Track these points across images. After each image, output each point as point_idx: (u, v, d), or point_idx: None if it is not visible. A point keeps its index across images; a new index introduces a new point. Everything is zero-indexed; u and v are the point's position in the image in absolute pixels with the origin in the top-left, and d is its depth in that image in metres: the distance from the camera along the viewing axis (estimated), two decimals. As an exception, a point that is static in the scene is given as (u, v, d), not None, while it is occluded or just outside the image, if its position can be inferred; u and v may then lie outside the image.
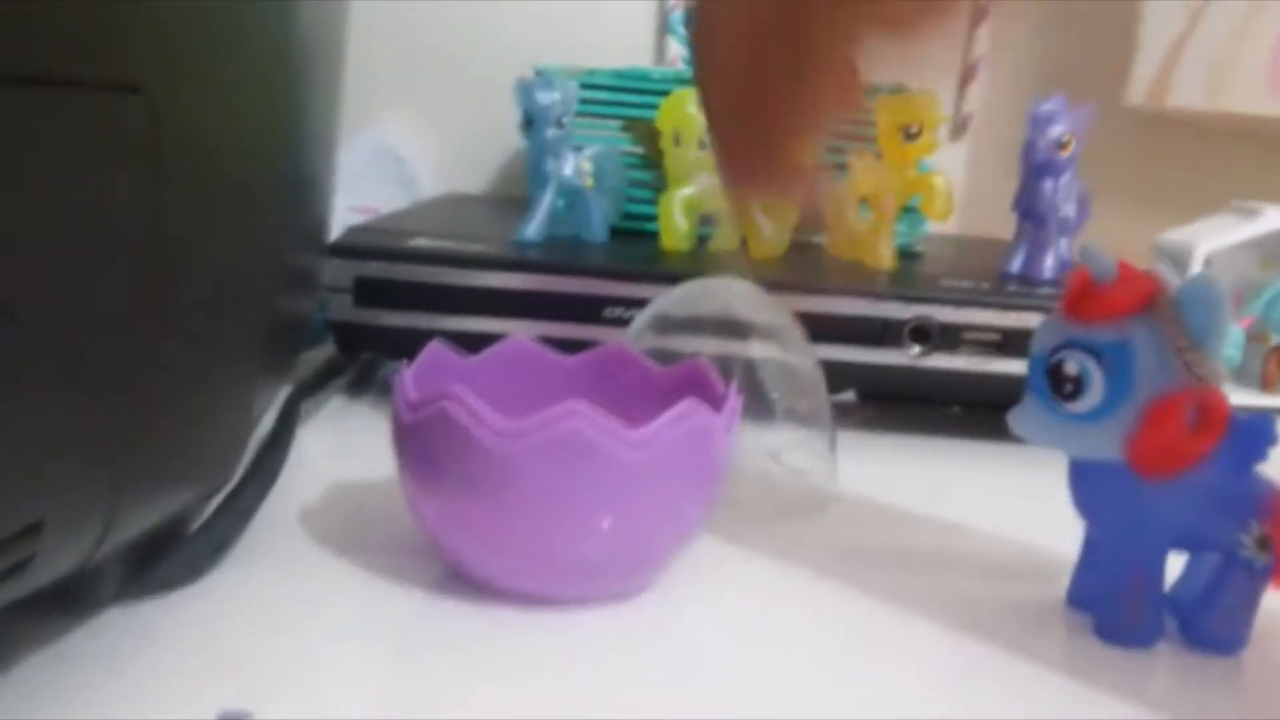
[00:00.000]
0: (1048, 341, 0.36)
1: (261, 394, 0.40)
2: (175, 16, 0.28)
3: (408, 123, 0.96)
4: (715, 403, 0.37)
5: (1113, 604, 0.37)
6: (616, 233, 0.66)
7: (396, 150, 0.94)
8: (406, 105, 0.95)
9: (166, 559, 0.35)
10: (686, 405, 0.35)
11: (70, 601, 0.33)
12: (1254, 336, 0.72)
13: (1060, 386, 0.35)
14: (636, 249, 0.63)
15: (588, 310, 0.57)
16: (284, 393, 0.48)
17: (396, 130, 0.95)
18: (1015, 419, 0.37)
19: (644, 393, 0.41)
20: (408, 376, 0.37)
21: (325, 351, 0.60)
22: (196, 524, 0.37)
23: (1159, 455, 0.34)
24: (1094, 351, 0.34)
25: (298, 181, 0.44)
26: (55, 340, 0.24)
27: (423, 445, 0.35)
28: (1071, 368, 0.35)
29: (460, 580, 0.37)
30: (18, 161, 0.23)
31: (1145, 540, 0.36)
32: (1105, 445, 0.35)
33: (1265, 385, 0.72)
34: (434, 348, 0.40)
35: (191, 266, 0.30)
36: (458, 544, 0.36)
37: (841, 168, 0.66)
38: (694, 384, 0.40)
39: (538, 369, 0.43)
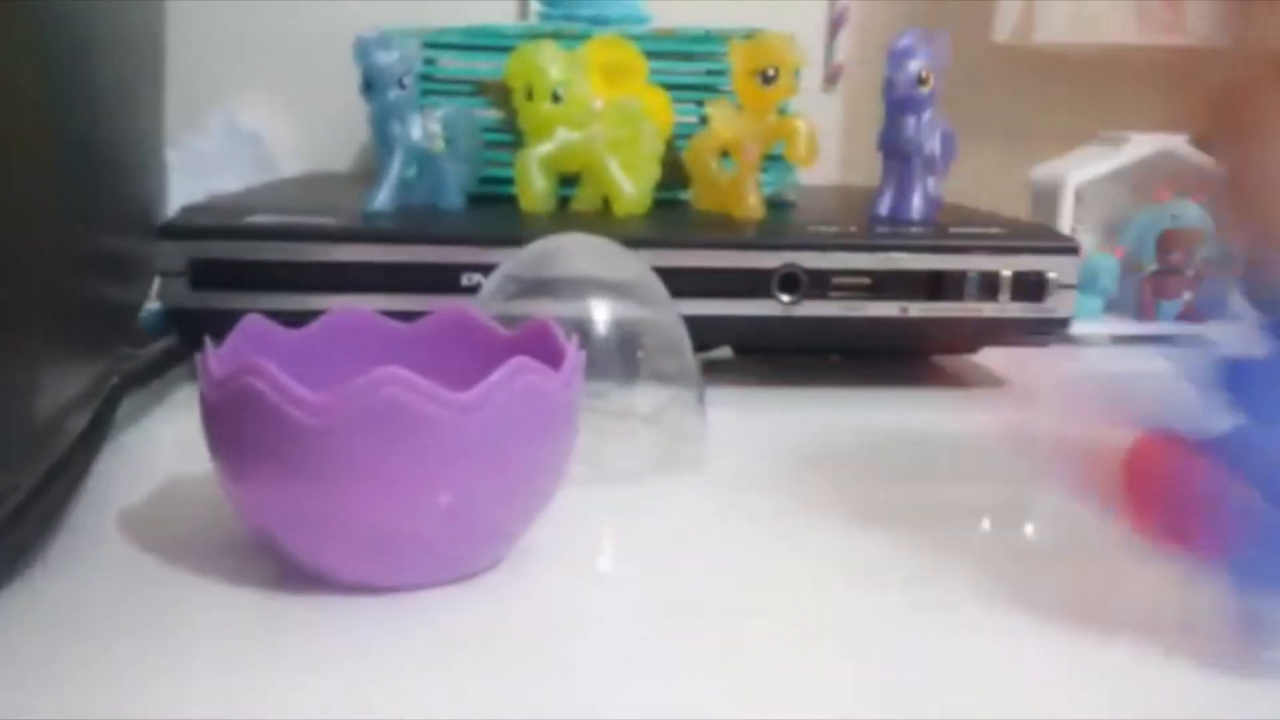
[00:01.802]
0: None
1: (60, 388, 0.36)
2: None
3: (262, 102, 0.91)
4: (553, 361, 0.34)
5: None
6: (477, 199, 0.63)
7: (251, 130, 0.89)
8: (260, 83, 0.91)
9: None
10: (518, 363, 0.32)
11: None
12: (1129, 265, 0.72)
13: None
14: (494, 214, 0.61)
15: (443, 280, 0.54)
16: (98, 387, 0.44)
17: (251, 110, 0.90)
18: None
19: (489, 358, 0.38)
20: (213, 353, 0.34)
21: (164, 344, 0.56)
22: (-12, 533, 0.33)
23: None
24: None
25: (98, 157, 0.40)
26: None
27: (231, 427, 0.32)
28: None
29: (295, 574, 0.34)
30: None
31: None
32: None
33: (1142, 314, 0.72)
34: (250, 320, 0.37)
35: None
36: (281, 534, 0.33)
37: (701, 120, 0.64)
38: (539, 345, 0.38)
39: (373, 340, 0.40)
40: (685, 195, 0.65)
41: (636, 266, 0.47)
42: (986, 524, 0.42)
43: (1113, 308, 0.73)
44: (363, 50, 0.56)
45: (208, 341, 0.34)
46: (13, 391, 0.32)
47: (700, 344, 0.47)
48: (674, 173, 0.64)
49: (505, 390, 0.32)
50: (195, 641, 0.31)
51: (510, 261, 0.47)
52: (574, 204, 0.62)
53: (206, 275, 0.53)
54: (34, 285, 0.32)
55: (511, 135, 0.64)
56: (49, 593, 0.33)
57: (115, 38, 0.43)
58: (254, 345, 0.36)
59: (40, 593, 0.33)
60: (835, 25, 0.92)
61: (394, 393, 0.30)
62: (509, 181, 0.62)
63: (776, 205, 0.66)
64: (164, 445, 0.47)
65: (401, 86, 0.57)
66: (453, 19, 0.71)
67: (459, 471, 0.32)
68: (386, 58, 0.56)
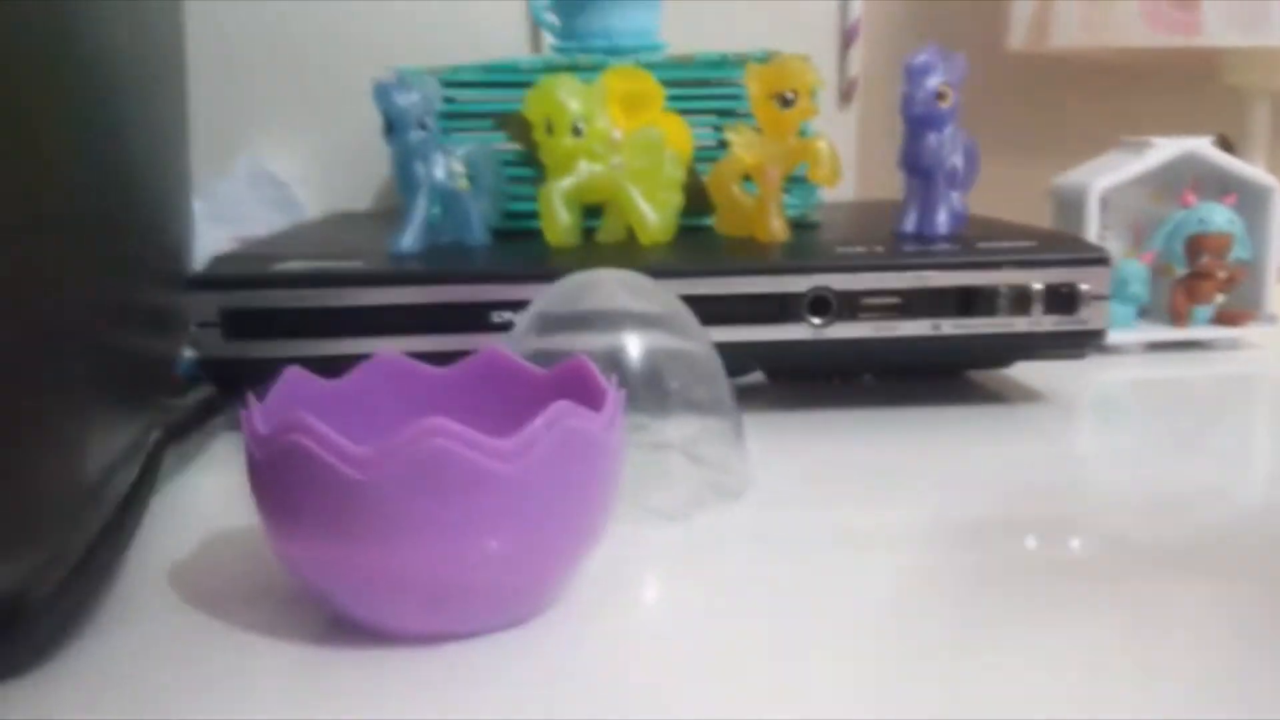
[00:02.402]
0: None
1: (106, 444, 0.37)
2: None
3: (284, 145, 0.92)
4: (594, 402, 0.34)
5: None
6: (501, 234, 0.63)
7: (274, 174, 0.90)
8: (281, 127, 0.92)
9: (8, 638, 0.31)
10: (558, 407, 0.32)
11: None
12: (1158, 270, 0.72)
13: None
14: (520, 248, 0.61)
15: (474, 318, 0.54)
16: (143, 442, 0.45)
17: (273, 153, 0.91)
18: None
19: (528, 398, 0.39)
20: (256, 409, 0.34)
21: (202, 394, 0.57)
22: (41, 593, 0.33)
23: None
24: None
25: (136, 213, 0.41)
26: None
27: (278, 484, 0.32)
28: None
29: (345, 627, 0.34)
30: None
31: None
32: None
33: (1174, 319, 0.72)
34: (290, 374, 0.37)
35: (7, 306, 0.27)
36: (331, 588, 0.33)
37: (721, 145, 0.64)
38: (577, 383, 0.38)
39: (412, 385, 0.40)
40: (709, 221, 0.65)
41: (666, 298, 0.47)
42: (1032, 542, 0.42)
43: (1144, 314, 0.72)
44: (382, 94, 0.57)
45: (250, 398, 0.34)
46: (62, 452, 0.32)
47: (732, 370, 0.47)
48: (696, 198, 0.64)
49: (548, 435, 0.32)
50: (250, 700, 0.31)
51: (541, 298, 0.47)
52: (599, 235, 0.62)
53: (239, 325, 0.53)
54: (75, 344, 0.32)
55: (532, 168, 0.64)
56: (102, 654, 0.33)
57: (140, 91, 0.43)
58: (294, 397, 0.36)
59: (93, 654, 0.33)
60: (847, 40, 0.92)
61: (439, 443, 0.30)
62: (533, 215, 0.62)
63: (801, 226, 0.66)
64: (208, 497, 0.47)
65: (423, 127, 0.57)
66: (467, 53, 0.72)
67: (507, 518, 0.32)
68: (406, 100, 0.56)
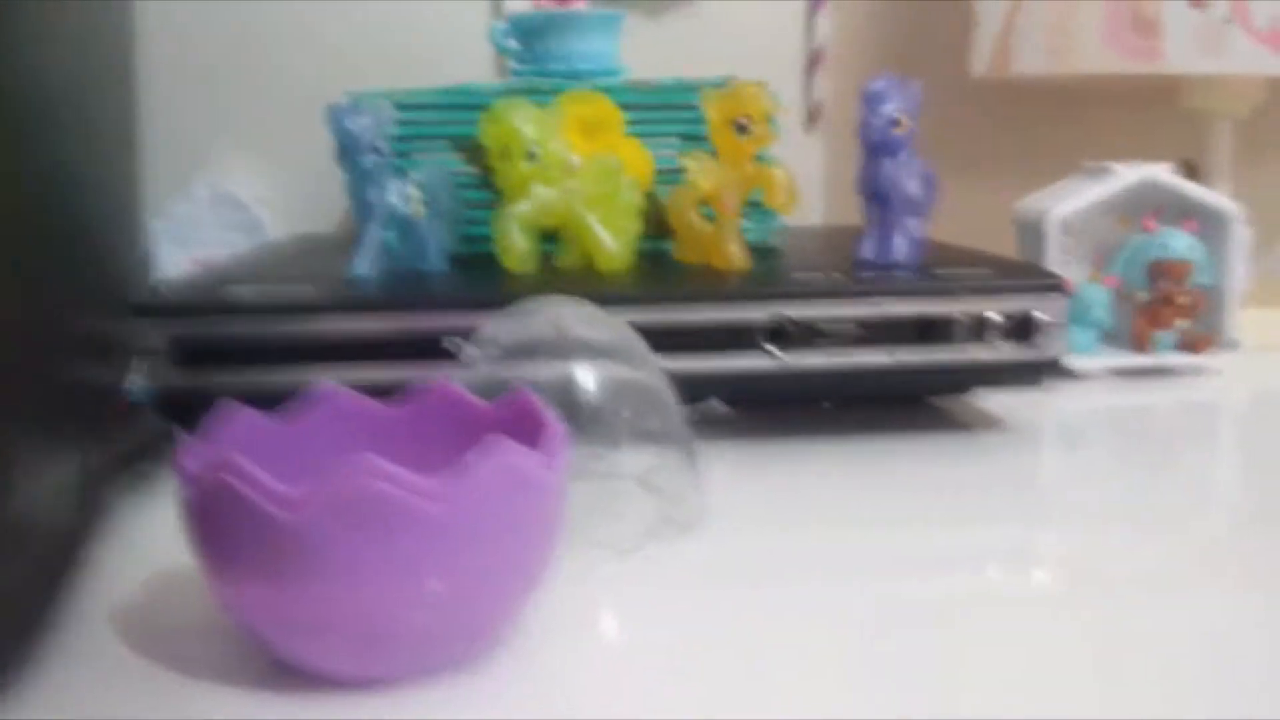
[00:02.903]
0: None
1: (42, 480, 0.36)
2: None
3: (247, 166, 0.91)
4: (531, 439, 0.34)
5: None
6: (460, 259, 0.63)
7: (235, 195, 0.89)
8: (244, 149, 0.91)
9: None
10: (490, 443, 0.32)
11: None
12: (1122, 296, 0.72)
13: None
14: (478, 274, 0.60)
15: (429, 346, 0.53)
16: (80, 477, 0.44)
17: (235, 175, 0.91)
18: None
19: (473, 432, 0.38)
20: (191, 446, 0.33)
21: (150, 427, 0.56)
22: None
23: None
24: None
25: (71, 238, 0.40)
26: None
27: (209, 524, 0.32)
28: None
29: (286, 669, 0.33)
30: None
31: None
32: None
33: (1137, 345, 0.72)
34: (229, 409, 0.36)
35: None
36: (264, 630, 0.32)
37: (678, 171, 0.63)
38: (521, 418, 0.37)
39: (355, 420, 0.39)
40: (668, 245, 0.65)
41: (617, 326, 0.47)
42: (993, 571, 0.41)
43: (1108, 340, 0.72)
44: (334, 118, 0.56)
45: (185, 435, 0.34)
46: (6, 493, 0.31)
47: (691, 398, 0.47)
48: (657, 223, 0.64)
49: (479, 472, 0.31)
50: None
51: (491, 325, 0.46)
52: (557, 261, 0.62)
53: (188, 353, 0.52)
54: (6, 377, 0.31)
55: (490, 193, 0.64)
56: (39, 698, 0.32)
57: (83, 114, 0.43)
58: (233, 434, 0.35)
59: (29, 699, 0.32)
60: (813, 65, 0.92)
61: (366, 482, 0.30)
62: (491, 239, 0.61)
63: (761, 252, 0.65)
64: (155, 531, 0.46)
65: (377, 152, 0.57)
66: (431, 77, 0.71)
67: (439, 559, 0.31)
68: (357, 124, 0.56)
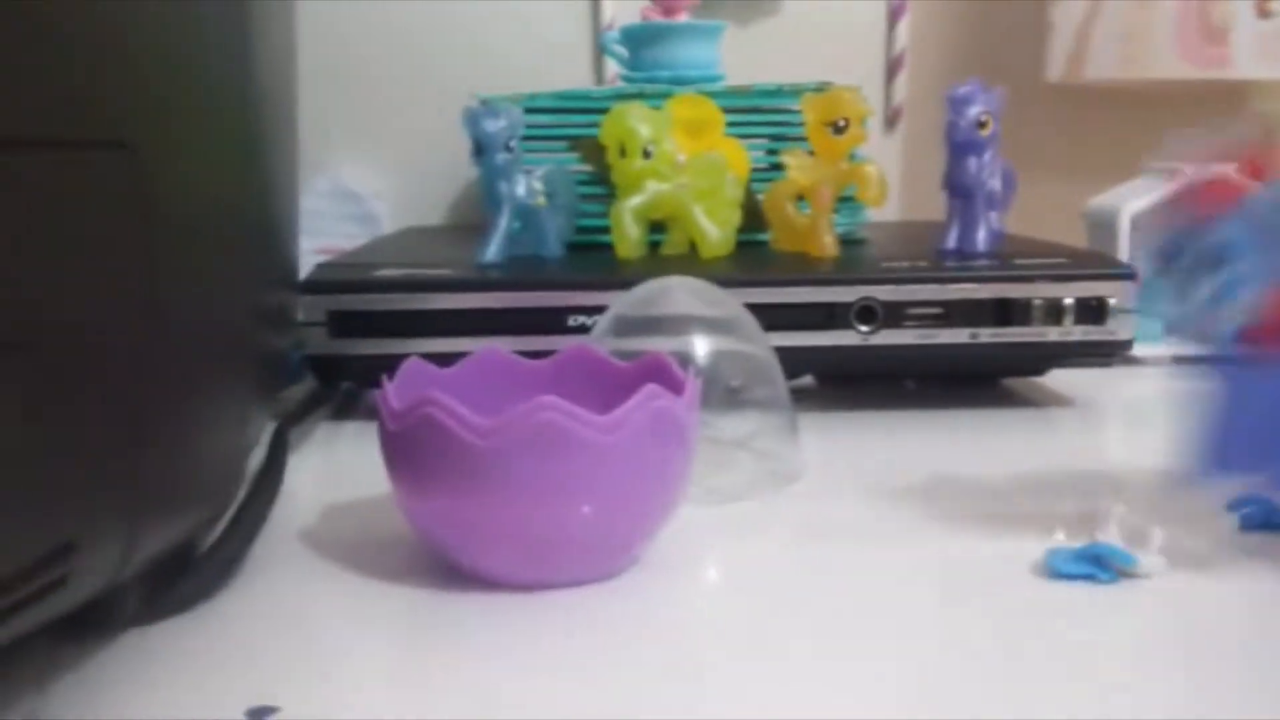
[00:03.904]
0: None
1: (253, 424, 0.43)
2: (154, 73, 0.31)
3: (362, 161, 0.98)
4: (677, 390, 0.40)
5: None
6: (573, 247, 0.69)
7: (354, 190, 0.96)
8: (359, 145, 0.98)
9: (180, 580, 0.37)
10: (650, 389, 0.38)
11: (91, 626, 0.35)
12: (1185, 289, 0.76)
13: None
14: (592, 260, 0.67)
15: (552, 321, 0.60)
16: (271, 425, 0.51)
17: (351, 170, 0.98)
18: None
19: (610, 387, 0.44)
20: (390, 389, 0.40)
21: (306, 387, 0.63)
22: (204, 546, 0.39)
23: None
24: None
25: (267, 223, 0.47)
26: (71, 373, 0.27)
27: (409, 451, 0.38)
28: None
29: (458, 576, 0.39)
30: (21, 218, 0.25)
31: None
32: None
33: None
34: (412, 363, 0.43)
35: (181, 306, 0.32)
36: (451, 540, 0.39)
37: (774, 167, 0.69)
38: (656, 375, 0.43)
39: (510, 375, 0.46)
40: (762, 237, 0.70)
41: (731, 304, 0.53)
42: (1061, 535, 0.45)
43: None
44: (472, 120, 0.63)
45: (385, 381, 0.40)
46: (222, 430, 0.38)
47: (785, 374, 0.52)
48: (751, 216, 0.70)
49: (640, 412, 0.37)
50: (374, 632, 0.37)
51: (619, 302, 0.52)
52: (663, 249, 0.68)
53: (343, 324, 0.59)
54: (244, 344, 0.38)
55: (602, 187, 0.70)
56: (251, 595, 0.39)
57: (280, 101, 0.49)
58: (419, 383, 0.42)
59: (244, 595, 0.39)
60: (893, 70, 0.98)
61: (550, 416, 0.36)
62: (601, 230, 0.68)
63: (849, 243, 0.71)
64: (318, 474, 0.53)
65: (508, 150, 0.63)
66: (534, 84, 0.78)
67: (601, 483, 0.38)
68: (494, 126, 0.62)
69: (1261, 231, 0.39)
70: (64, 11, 0.26)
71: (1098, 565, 0.40)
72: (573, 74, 0.95)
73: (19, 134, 0.25)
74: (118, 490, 0.29)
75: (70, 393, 0.27)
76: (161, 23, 0.31)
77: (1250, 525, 0.44)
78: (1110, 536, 0.41)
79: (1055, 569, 0.40)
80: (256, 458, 0.47)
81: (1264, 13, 0.78)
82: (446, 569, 0.40)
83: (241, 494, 0.42)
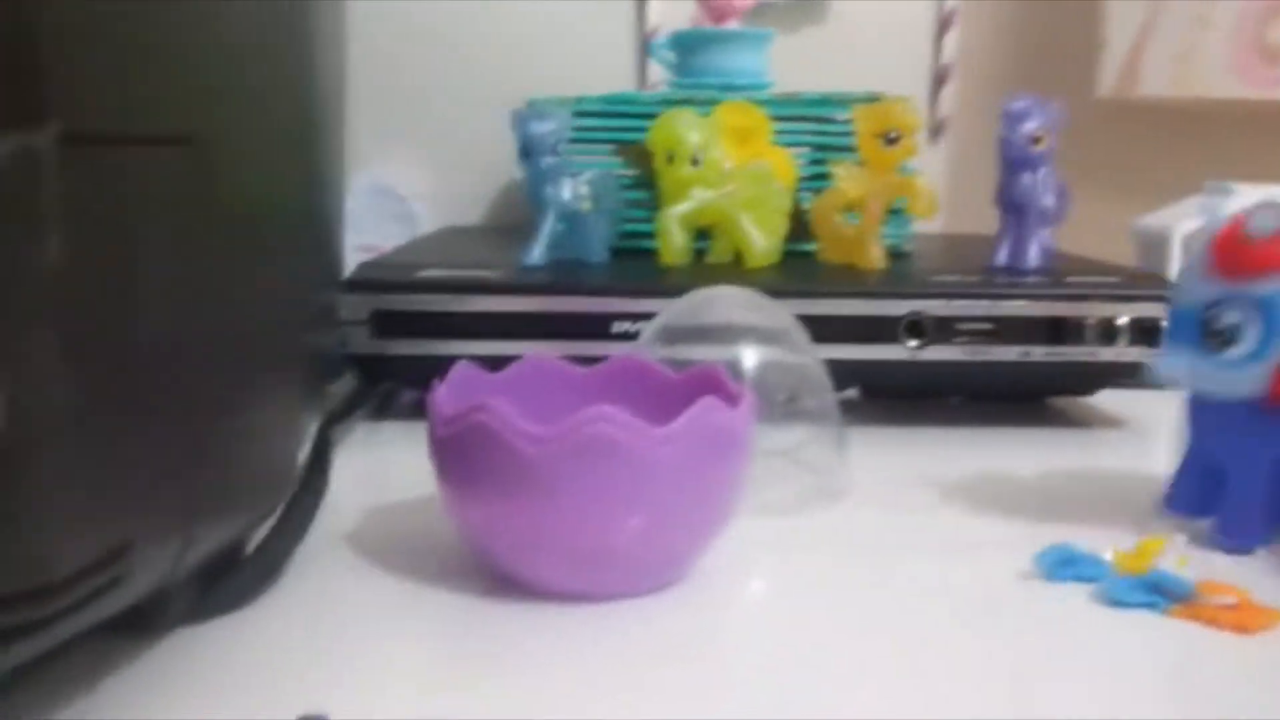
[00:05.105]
0: (1200, 296, 0.41)
1: (304, 423, 0.42)
2: (219, 68, 0.30)
3: (404, 161, 0.98)
4: (731, 401, 0.39)
5: (1238, 512, 0.43)
6: (616, 252, 0.69)
7: (394, 188, 0.96)
8: (402, 144, 0.98)
9: (227, 580, 0.37)
10: (707, 402, 0.37)
11: (141, 625, 0.35)
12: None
13: (1216, 337, 0.41)
14: (637, 266, 0.66)
15: (596, 327, 0.59)
16: (315, 424, 0.50)
17: (394, 169, 0.98)
18: (1164, 367, 0.44)
19: (661, 397, 0.44)
20: (441, 393, 0.39)
21: (346, 385, 0.63)
22: (250, 548, 0.39)
23: None
24: (1253, 304, 0.40)
25: (319, 221, 0.46)
26: (137, 372, 0.27)
27: (460, 457, 0.38)
28: (1229, 319, 0.40)
29: (503, 583, 0.39)
30: (91, 214, 0.25)
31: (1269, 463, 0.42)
32: (1250, 385, 0.41)
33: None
34: (462, 366, 0.42)
35: (241, 304, 0.32)
36: (499, 548, 0.38)
37: (820, 176, 0.68)
38: (708, 386, 0.43)
39: (558, 382, 0.45)
40: (806, 247, 0.70)
41: (780, 314, 0.52)
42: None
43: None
44: (520, 123, 0.62)
45: (436, 385, 0.40)
46: (285, 432, 0.38)
47: (833, 385, 0.52)
48: (796, 226, 0.69)
49: (695, 425, 0.37)
50: (416, 638, 0.36)
51: (666, 311, 0.52)
52: (709, 257, 0.67)
53: (386, 324, 0.59)
54: (295, 343, 0.38)
55: (648, 193, 0.70)
56: (297, 595, 0.39)
57: (331, 101, 0.49)
58: (469, 388, 0.41)
59: (289, 595, 0.39)
60: (939, 82, 0.97)
61: (604, 428, 0.35)
62: (645, 235, 0.67)
63: (896, 256, 0.70)
64: (360, 474, 0.53)
65: (555, 153, 0.63)
66: (578, 87, 0.77)
67: (652, 495, 0.37)
68: (541, 128, 0.62)
69: None
70: (136, 9, 0.26)
71: (1158, 593, 0.39)
72: (615, 78, 0.95)
73: (90, 130, 0.25)
74: (177, 488, 0.29)
75: (136, 391, 0.27)
76: (227, 19, 0.31)
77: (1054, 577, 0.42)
78: (1170, 565, 0.40)
79: (1115, 598, 0.39)
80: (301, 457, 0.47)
81: (1325, 32, 0.77)
82: (493, 575, 0.40)
83: (290, 494, 0.42)
